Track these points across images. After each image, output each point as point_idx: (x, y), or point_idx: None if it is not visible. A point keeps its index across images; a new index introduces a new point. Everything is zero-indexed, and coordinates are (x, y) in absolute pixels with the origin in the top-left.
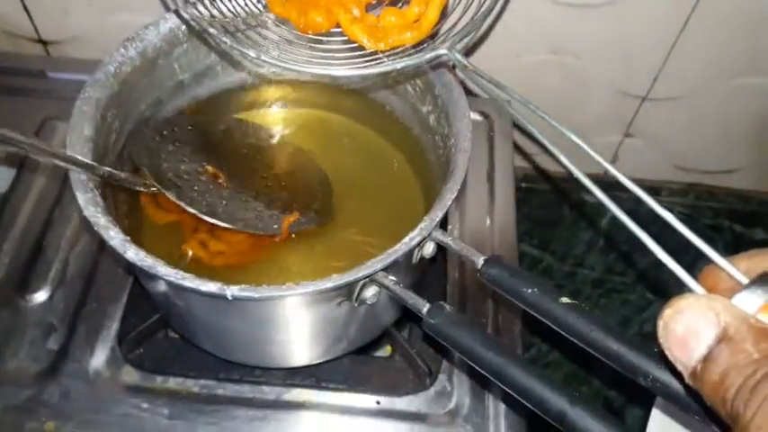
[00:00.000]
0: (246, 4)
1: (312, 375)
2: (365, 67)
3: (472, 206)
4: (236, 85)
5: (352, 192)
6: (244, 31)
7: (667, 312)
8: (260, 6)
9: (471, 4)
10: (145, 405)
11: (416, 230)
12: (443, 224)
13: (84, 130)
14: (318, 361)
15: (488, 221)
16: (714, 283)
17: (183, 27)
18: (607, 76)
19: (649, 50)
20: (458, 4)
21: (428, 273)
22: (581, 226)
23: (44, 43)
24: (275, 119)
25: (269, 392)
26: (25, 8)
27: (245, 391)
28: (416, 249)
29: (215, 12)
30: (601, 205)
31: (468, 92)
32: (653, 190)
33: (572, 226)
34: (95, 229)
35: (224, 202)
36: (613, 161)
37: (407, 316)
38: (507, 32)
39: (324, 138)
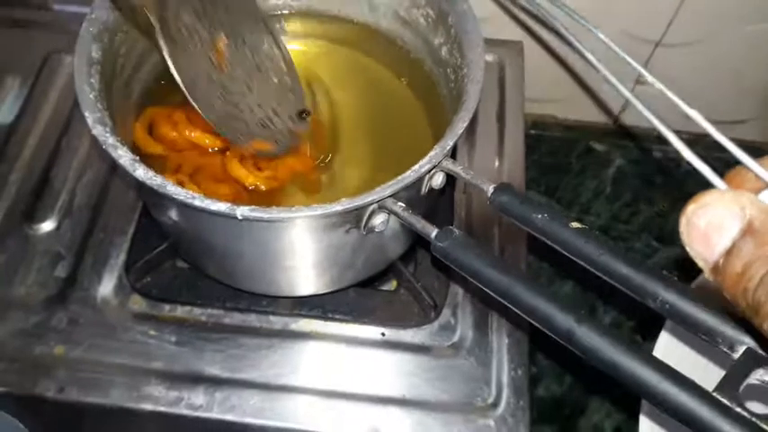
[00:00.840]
0: None
1: (318, 306)
2: None
3: (482, 145)
4: None
5: (362, 127)
6: None
7: (690, 208)
8: None
9: None
10: (152, 332)
11: (426, 159)
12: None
13: (91, 52)
14: (325, 291)
15: (497, 162)
16: (740, 184)
17: None
18: (622, 22)
19: None
20: None
21: (437, 206)
22: (588, 174)
23: None
24: None
25: (276, 322)
26: None
27: (252, 320)
28: (426, 179)
29: None
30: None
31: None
32: (660, 139)
33: (579, 174)
34: (104, 147)
35: (219, 92)
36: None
37: (414, 249)
38: None
39: (333, 71)
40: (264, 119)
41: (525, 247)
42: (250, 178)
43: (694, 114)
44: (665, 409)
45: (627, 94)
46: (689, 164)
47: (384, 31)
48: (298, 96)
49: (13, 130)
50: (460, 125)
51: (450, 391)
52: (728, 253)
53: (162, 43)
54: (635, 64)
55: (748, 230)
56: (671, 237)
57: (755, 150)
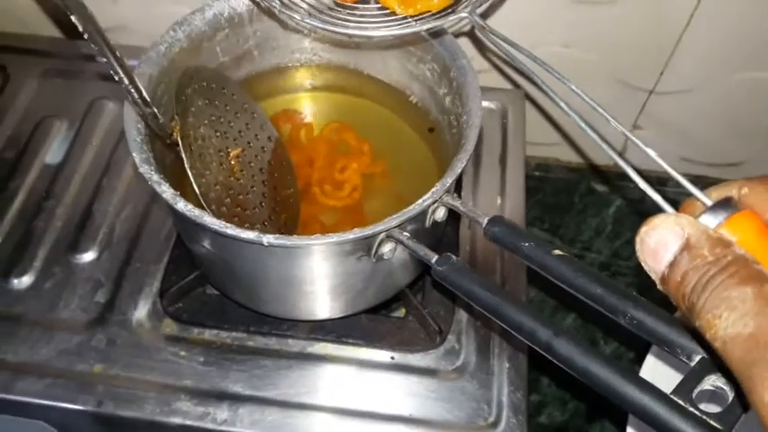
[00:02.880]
0: None
1: (333, 331)
2: (397, 28)
3: (485, 185)
4: (269, 68)
5: (378, 167)
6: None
7: (643, 229)
8: None
9: None
10: (182, 353)
11: (429, 194)
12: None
13: None
14: (339, 315)
15: (499, 200)
16: (690, 212)
17: (226, 13)
18: (615, 70)
19: (656, 45)
20: None
21: (443, 240)
22: (589, 213)
23: None
24: (303, 100)
25: (294, 345)
26: None
27: (273, 343)
28: (429, 212)
29: None
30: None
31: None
32: (659, 181)
33: (581, 213)
34: (150, 183)
35: (217, 186)
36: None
37: (421, 279)
38: (521, 25)
39: (348, 119)
40: (266, 218)
41: (525, 278)
42: (334, 202)
43: (651, 153)
44: (629, 409)
45: (594, 135)
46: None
47: (395, 83)
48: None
49: (60, 169)
50: (459, 165)
51: (453, 410)
52: (671, 265)
53: (184, 155)
54: (615, 123)
55: (686, 246)
56: None
57: None
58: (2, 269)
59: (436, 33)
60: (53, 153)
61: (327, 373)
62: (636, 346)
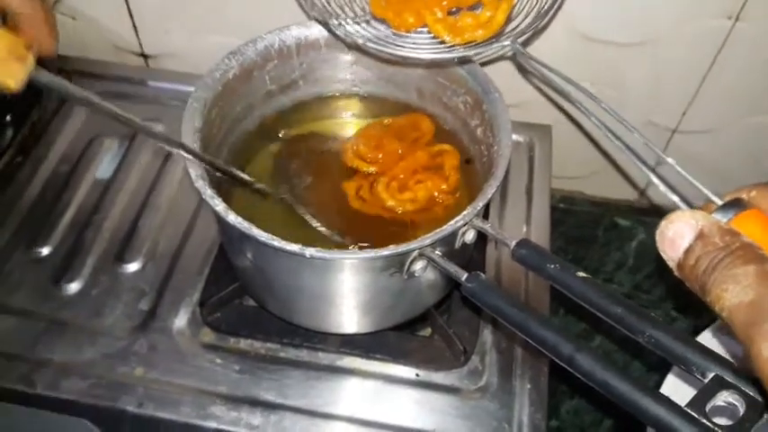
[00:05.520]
0: (354, 7)
1: (362, 347)
2: (446, 53)
3: (511, 215)
4: (313, 97)
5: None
6: (353, 26)
7: (663, 223)
8: (366, 8)
9: (530, 13)
10: (218, 360)
11: (460, 216)
12: None
13: (195, 122)
14: (369, 330)
15: (525, 229)
16: (706, 211)
17: (276, 45)
18: (640, 109)
19: (679, 87)
20: (520, 11)
21: (472, 261)
22: (612, 246)
23: (145, 57)
24: (344, 127)
25: (324, 358)
26: (134, 27)
27: (304, 355)
28: (459, 233)
29: (333, 9)
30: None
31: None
32: None
33: (604, 246)
34: (203, 197)
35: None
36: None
37: (448, 300)
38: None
39: None
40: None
41: (549, 298)
42: (390, 201)
43: (670, 160)
44: (645, 419)
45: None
46: None
47: (430, 113)
48: None
49: (109, 184)
50: (490, 190)
51: (475, 428)
52: (686, 252)
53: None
54: (656, 149)
55: (699, 236)
56: (689, 308)
57: None
58: (53, 276)
59: (469, 65)
60: (103, 169)
61: (354, 386)
62: (658, 371)
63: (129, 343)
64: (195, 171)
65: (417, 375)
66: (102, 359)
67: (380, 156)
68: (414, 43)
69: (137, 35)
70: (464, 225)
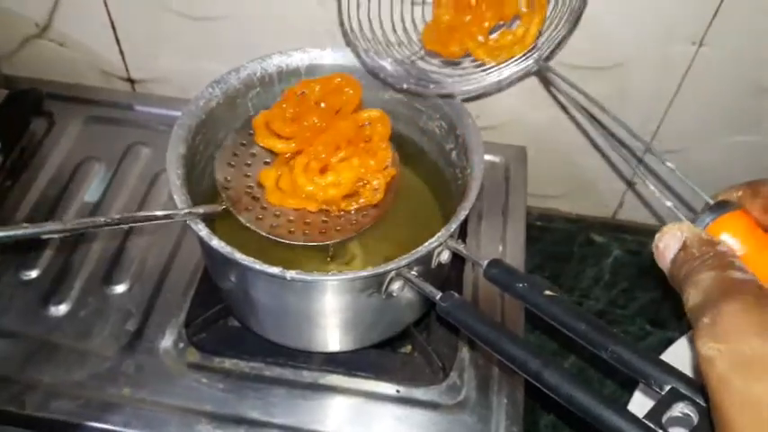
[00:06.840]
0: (410, 43)
1: (344, 364)
2: (495, 75)
3: (487, 234)
4: None
5: (389, 213)
6: (410, 63)
7: (657, 236)
8: (418, 43)
9: (558, 26)
10: (204, 380)
11: (435, 237)
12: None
13: (179, 149)
14: (351, 348)
15: (501, 248)
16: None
17: (258, 73)
18: (611, 129)
19: (649, 107)
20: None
21: (449, 281)
22: (588, 263)
23: (132, 81)
24: None
25: (307, 376)
26: (121, 53)
27: (288, 374)
28: (434, 254)
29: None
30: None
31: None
32: (654, 233)
33: (580, 262)
34: (187, 222)
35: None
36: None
37: (427, 318)
38: (525, 89)
39: None
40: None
41: (523, 317)
42: (308, 186)
43: (670, 164)
44: (607, 431)
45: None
46: None
47: (406, 138)
48: None
49: (97, 207)
50: (462, 213)
51: None
52: (671, 262)
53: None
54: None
55: (683, 247)
56: (663, 322)
57: None
58: (41, 298)
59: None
60: (91, 192)
61: (337, 404)
62: (630, 389)
63: (117, 363)
64: (179, 196)
65: (398, 391)
66: (90, 380)
67: (299, 130)
68: (462, 71)
69: (123, 60)
70: (439, 246)
